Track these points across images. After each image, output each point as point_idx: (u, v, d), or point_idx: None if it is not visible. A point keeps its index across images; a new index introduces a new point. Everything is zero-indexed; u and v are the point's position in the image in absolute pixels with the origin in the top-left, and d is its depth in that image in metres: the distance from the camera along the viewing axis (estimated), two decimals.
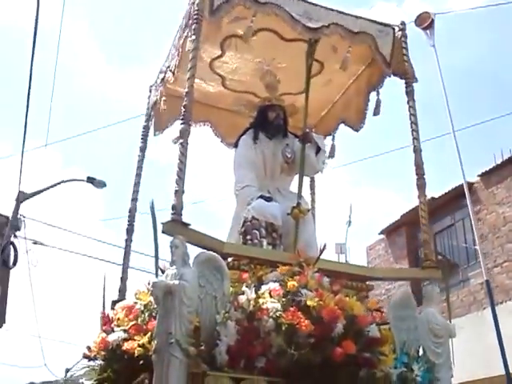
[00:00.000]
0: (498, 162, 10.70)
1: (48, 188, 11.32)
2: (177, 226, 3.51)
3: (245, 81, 5.10)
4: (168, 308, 3.13)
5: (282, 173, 4.83)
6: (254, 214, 4.23)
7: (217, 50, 4.77)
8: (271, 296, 3.40)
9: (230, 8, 4.04)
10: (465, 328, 7.74)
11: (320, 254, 3.92)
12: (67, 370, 4.06)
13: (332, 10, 4.33)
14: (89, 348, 3.87)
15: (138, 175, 5.08)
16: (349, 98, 5.21)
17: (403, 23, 4.69)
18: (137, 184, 5.05)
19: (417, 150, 4.46)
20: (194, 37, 3.95)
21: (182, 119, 3.82)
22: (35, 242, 11.71)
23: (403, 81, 4.64)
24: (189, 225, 3.57)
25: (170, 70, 4.53)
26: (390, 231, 13.30)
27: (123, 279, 4.79)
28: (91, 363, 3.87)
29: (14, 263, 10.26)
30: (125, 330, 3.61)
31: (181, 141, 3.75)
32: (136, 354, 3.38)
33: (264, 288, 3.49)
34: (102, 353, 3.73)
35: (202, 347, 3.11)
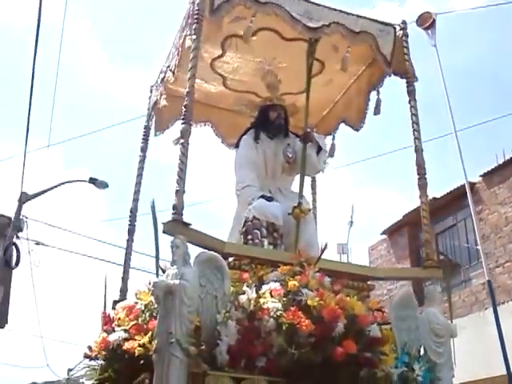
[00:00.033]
0: (500, 162, 10.70)
1: (50, 189, 11.35)
2: (177, 225, 3.50)
3: (246, 80, 5.10)
4: (168, 308, 3.13)
5: (283, 172, 4.83)
6: (255, 213, 4.23)
7: (217, 50, 4.77)
8: (272, 296, 3.40)
9: (231, 8, 4.04)
10: (466, 328, 7.75)
11: (321, 254, 3.91)
12: (69, 370, 4.06)
13: (333, 9, 4.33)
14: (90, 348, 3.88)
15: (139, 175, 5.09)
16: (349, 98, 5.21)
17: (404, 22, 4.68)
18: (138, 184, 5.06)
19: (418, 150, 4.45)
20: (194, 36, 3.94)
21: (182, 119, 3.82)
22: (37, 243, 11.73)
23: (405, 81, 4.63)
24: (189, 224, 3.57)
25: (170, 70, 4.54)
26: (392, 231, 13.30)
27: (124, 279, 4.80)
28: (92, 363, 3.87)
29: (17, 264, 10.28)
30: (125, 330, 3.61)
31: (181, 141, 3.75)
32: (136, 354, 3.38)
33: (265, 288, 3.49)
34: (103, 352, 3.73)
35: (203, 347, 3.11)
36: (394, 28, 4.61)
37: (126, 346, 3.48)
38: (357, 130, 5.20)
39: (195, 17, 3.97)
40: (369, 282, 4.18)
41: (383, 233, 13.61)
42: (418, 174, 4.41)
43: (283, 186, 4.81)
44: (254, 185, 4.54)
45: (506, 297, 9.92)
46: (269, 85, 4.89)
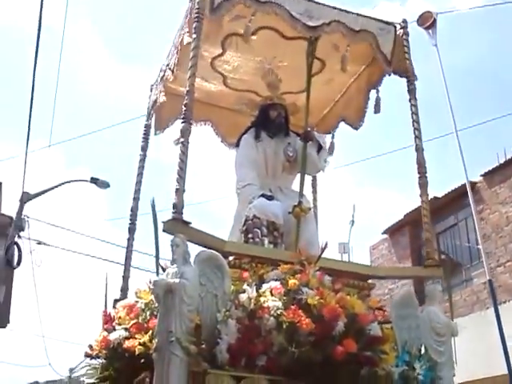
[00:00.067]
0: (501, 161, 10.70)
1: (52, 188, 11.36)
2: (177, 224, 3.50)
3: (246, 79, 5.10)
4: (168, 306, 3.13)
5: (284, 171, 4.83)
6: (256, 212, 4.23)
7: (218, 49, 4.77)
8: (272, 294, 3.39)
9: (231, 6, 4.04)
10: (468, 327, 7.72)
11: (321, 253, 3.91)
12: (71, 370, 4.06)
13: (333, 7, 4.33)
14: (91, 346, 3.88)
15: (140, 174, 5.09)
16: (349, 97, 5.20)
17: (405, 21, 4.67)
18: (138, 183, 5.06)
19: (419, 149, 4.45)
20: (194, 35, 3.94)
21: (182, 118, 3.81)
22: (39, 243, 11.76)
23: (406, 82, 4.62)
24: (189, 223, 3.57)
25: (169, 68, 4.54)
26: (394, 231, 13.29)
27: (125, 278, 4.80)
28: (93, 362, 3.88)
29: (18, 263, 10.28)
30: (126, 329, 3.61)
31: (182, 140, 3.75)
32: (137, 353, 3.38)
33: (265, 286, 3.48)
34: (104, 351, 3.73)
35: (203, 345, 3.11)
36: (395, 27, 4.60)
37: (127, 344, 3.49)
38: (356, 128, 5.19)
39: (195, 15, 3.96)
40: (369, 281, 4.18)
41: (384, 232, 13.60)
42: (419, 172, 4.40)
43: (284, 184, 4.80)
44: (255, 184, 4.54)
45: (508, 296, 9.92)
46: (269, 84, 4.88)
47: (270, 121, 4.81)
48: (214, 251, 3.44)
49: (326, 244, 3.95)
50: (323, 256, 3.89)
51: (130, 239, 4.95)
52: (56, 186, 11.46)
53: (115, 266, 10.16)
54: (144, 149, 5.21)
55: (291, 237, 4.32)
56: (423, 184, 4.38)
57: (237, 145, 4.91)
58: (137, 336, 3.46)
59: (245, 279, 3.54)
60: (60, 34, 13.35)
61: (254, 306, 3.31)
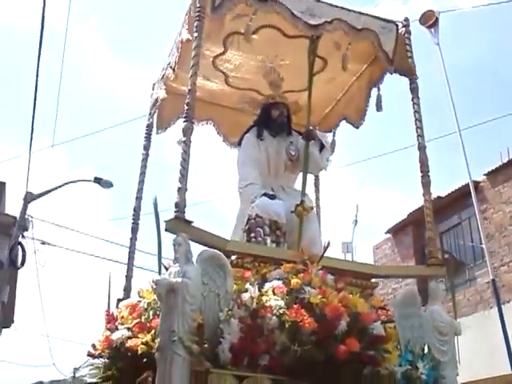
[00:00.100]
0: (504, 160, 10.68)
1: (55, 188, 11.39)
2: (180, 223, 3.50)
3: (248, 78, 5.09)
4: (171, 306, 3.12)
5: (286, 170, 4.82)
6: (258, 211, 4.22)
7: (219, 48, 4.77)
8: (274, 293, 3.39)
9: (232, 5, 4.03)
10: (471, 327, 7.71)
11: (324, 252, 3.90)
12: (75, 369, 4.07)
13: (335, 6, 4.33)
14: (94, 346, 3.88)
15: (142, 173, 5.09)
16: (351, 95, 5.19)
17: (407, 19, 4.66)
18: (141, 182, 5.06)
19: (421, 148, 4.43)
20: (196, 34, 3.93)
21: (184, 117, 3.81)
22: (43, 243, 11.78)
23: (408, 80, 4.61)
24: (192, 222, 3.57)
25: (170, 67, 4.54)
26: (397, 230, 13.27)
27: (128, 277, 4.80)
28: (96, 361, 3.87)
29: (22, 263, 10.31)
30: (128, 328, 3.61)
31: (184, 139, 3.74)
32: (139, 352, 3.37)
33: (267, 286, 3.48)
34: (107, 351, 3.73)
35: (205, 345, 3.11)
36: (397, 25, 4.59)
37: (129, 344, 3.48)
38: (357, 127, 5.19)
39: (197, 14, 3.96)
40: (372, 280, 4.17)
41: (388, 232, 13.59)
42: (422, 171, 4.39)
43: (286, 183, 4.79)
44: (257, 183, 4.53)
45: (511, 295, 9.89)
46: (271, 82, 4.88)
47: (272, 120, 4.80)
48: (216, 250, 3.44)
49: (329, 243, 3.94)
50: (326, 255, 3.88)
51: (133, 239, 4.95)
52: (60, 186, 11.49)
53: (118, 266, 10.17)
54: (146, 148, 5.20)
55: (294, 236, 4.31)
56: (426, 183, 4.36)
57: (239, 144, 4.90)
58: (139, 335, 3.46)
59: (247, 278, 3.53)
60: (65, 34, 13.34)
61: (256, 305, 3.30)
